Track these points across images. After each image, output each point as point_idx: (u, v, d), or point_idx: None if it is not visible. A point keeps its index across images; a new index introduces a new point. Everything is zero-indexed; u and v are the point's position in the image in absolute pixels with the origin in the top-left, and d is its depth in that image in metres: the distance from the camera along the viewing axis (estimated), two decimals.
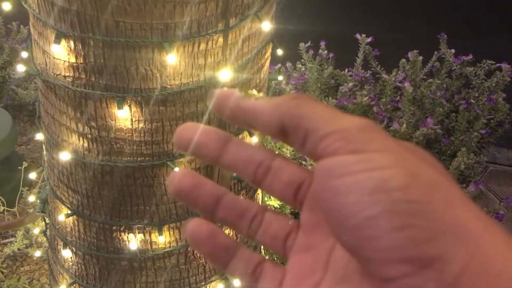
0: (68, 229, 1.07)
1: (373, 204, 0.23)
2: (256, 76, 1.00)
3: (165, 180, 0.96)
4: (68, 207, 1.04)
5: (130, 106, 0.88)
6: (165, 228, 1.01)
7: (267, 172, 0.31)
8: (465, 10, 3.76)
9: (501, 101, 1.98)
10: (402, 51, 2.13)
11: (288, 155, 1.71)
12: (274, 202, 1.65)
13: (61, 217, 1.06)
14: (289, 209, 1.69)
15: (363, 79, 2.08)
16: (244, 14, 0.88)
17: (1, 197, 1.88)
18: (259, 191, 1.21)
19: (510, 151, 2.62)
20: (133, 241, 1.02)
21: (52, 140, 0.99)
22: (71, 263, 1.12)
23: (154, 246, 1.03)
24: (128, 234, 1.02)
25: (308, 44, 2.11)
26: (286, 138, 0.27)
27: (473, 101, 1.97)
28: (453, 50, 2.08)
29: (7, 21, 2.62)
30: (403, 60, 2.11)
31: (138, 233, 1.02)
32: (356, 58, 2.12)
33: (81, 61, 0.85)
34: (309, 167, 1.02)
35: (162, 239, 1.02)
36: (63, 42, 0.84)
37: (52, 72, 0.90)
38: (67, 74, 0.87)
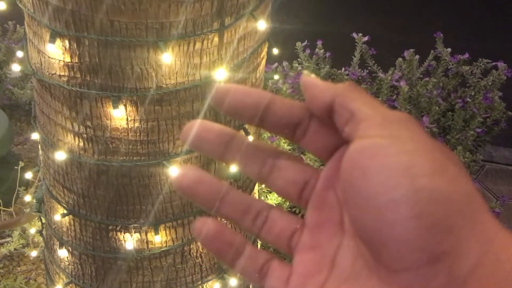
0: (64, 229, 1.07)
1: (397, 187, 0.24)
2: (252, 76, 1.00)
3: (161, 180, 0.96)
4: (64, 207, 1.04)
5: (125, 105, 0.88)
6: (161, 227, 1.01)
7: (272, 170, 0.31)
8: (461, 9, 3.76)
9: (497, 99, 1.98)
10: (399, 50, 2.14)
11: None
12: (271, 202, 1.65)
13: (57, 217, 1.06)
14: (288, 206, 1.69)
15: (359, 78, 2.08)
16: (240, 13, 0.88)
17: None
18: (256, 191, 1.21)
19: (506, 149, 2.62)
20: (129, 241, 1.02)
21: (48, 140, 0.99)
22: (67, 263, 1.12)
23: (150, 246, 1.03)
24: (124, 233, 1.02)
25: (305, 43, 2.11)
26: (330, 116, 0.28)
27: (470, 100, 1.98)
28: (449, 49, 2.08)
29: (3, 20, 2.62)
30: (400, 59, 2.11)
31: (134, 232, 1.02)
32: (353, 57, 2.12)
33: (76, 61, 0.85)
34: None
35: (159, 239, 1.02)
36: (58, 41, 0.84)
37: (47, 71, 0.90)
38: (62, 73, 0.87)
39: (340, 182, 0.28)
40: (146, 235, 1.02)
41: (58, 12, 0.81)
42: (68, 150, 0.95)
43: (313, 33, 2.29)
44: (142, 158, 0.93)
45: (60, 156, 0.95)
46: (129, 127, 0.90)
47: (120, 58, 0.83)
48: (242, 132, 1.02)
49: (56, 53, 0.85)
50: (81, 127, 0.91)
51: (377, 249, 0.25)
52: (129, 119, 0.89)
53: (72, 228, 1.05)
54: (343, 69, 2.15)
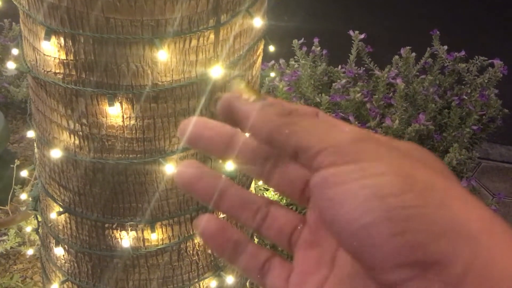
0: (60, 227, 1.07)
1: (369, 212, 0.23)
2: (248, 73, 1.00)
3: (157, 177, 0.96)
4: (60, 205, 1.03)
5: (121, 103, 0.87)
6: (158, 225, 1.01)
7: (274, 168, 0.31)
8: (458, 6, 3.77)
9: (493, 97, 1.98)
10: (395, 48, 2.14)
11: None
12: None
13: (53, 215, 1.06)
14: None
15: (356, 75, 2.08)
16: (235, 10, 0.87)
17: None
18: (252, 189, 1.21)
19: (502, 147, 2.63)
20: (125, 239, 1.02)
21: (43, 138, 0.99)
22: (63, 261, 1.12)
23: (146, 244, 1.03)
24: (120, 231, 1.02)
25: (301, 41, 2.11)
26: (275, 150, 0.28)
27: (466, 97, 1.98)
28: (445, 47, 2.09)
29: None
30: (396, 56, 2.11)
31: (131, 230, 1.01)
32: (349, 54, 2.12)
33: (72, 58, 0.84)
34: None
35: (155, 236, 1.02)
36: (53, 38, 0.83)
37: (43, 69, 0.89)
38: (57, 71, 0.87)
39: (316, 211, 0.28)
40: (143, 233, 1.02)
41: (53, 9, 0.81)
42: (64, 148, 0.95)
43: (310, 30, 2.29)
44: (138, 155, 0.93)
45: (56, 154, 0.95)
46: (125, 124, 0.90)
47: (116, 56, 0.83)
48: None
49: (51, 50, 0.85)
50: (77, 124, 0.91)
51: (367, 269, 0.25)
52: (125, 116, 0.89)
53: (68, 226, 1.05)
54: (339, 66, 2.15)
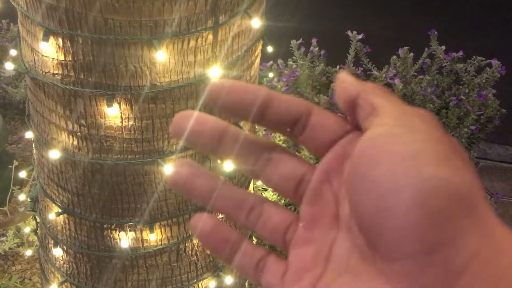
0: (59, 228, 1.07)
1: (403, 175, 0.24)
2: (246, 73, 1.00)
3: (155, 178, 0.96)
4: (58, 206, 1.03)
5: (119, 103, 0.87)
6: (156, 225, 1.01)
7: (266, 164, 0.31)
8: (456, 7, 3.77)
9: (491, 97, 1.99)
10: (393, 48, 2.14)
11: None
12: None
13: (51, 216, 1.06)
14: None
15: (354, 75, 2.08)
16: (234, 11, 0.87)
17: None
18: (251, 189, 1.21)
19: (500, 146, 2.64)
20: (124, 239, 1.02)
21: (42, 139, 0.99)
22: (62, 262, 1.12)
23: (145, 244, 1.03)
24: (119, 232, 1.02)
25: (300, 41, 2.11)
26: (354, 110, 0.29)
27: (464, 97, 1.98)
28: (443, 47, 2.09)
29: None
30: (394, 57, 2.11)
31: (130, 231, 1.01)
32: (348, 55, 2.12)
33: (70, 59, 0.84)
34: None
35: (154, 237, 1.02)
36: (52, 39, 0.83)
37: (41, 69, 0.89)
38: (56, 71, 0.87)
39: (347, 168, 0.28)
40: (141, 233, 1.02)
41: (51, 10, 0.81)
42: (62, 148, 0.95)
43: (308, 31, 2.29)
44: (137, 156, 0.93)
45: (54, 154, 0.95)
46: (123, 125, 0.90)
47: (114, 56, 0.83)
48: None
49: (50, 51, 0.85)
50: (75, 125, 0.91)
51: (374, 237, 0.25)
52: (123, 117, 0.89)
53: (67, 227, 1.05)
54: (338, 67, 2.15)
